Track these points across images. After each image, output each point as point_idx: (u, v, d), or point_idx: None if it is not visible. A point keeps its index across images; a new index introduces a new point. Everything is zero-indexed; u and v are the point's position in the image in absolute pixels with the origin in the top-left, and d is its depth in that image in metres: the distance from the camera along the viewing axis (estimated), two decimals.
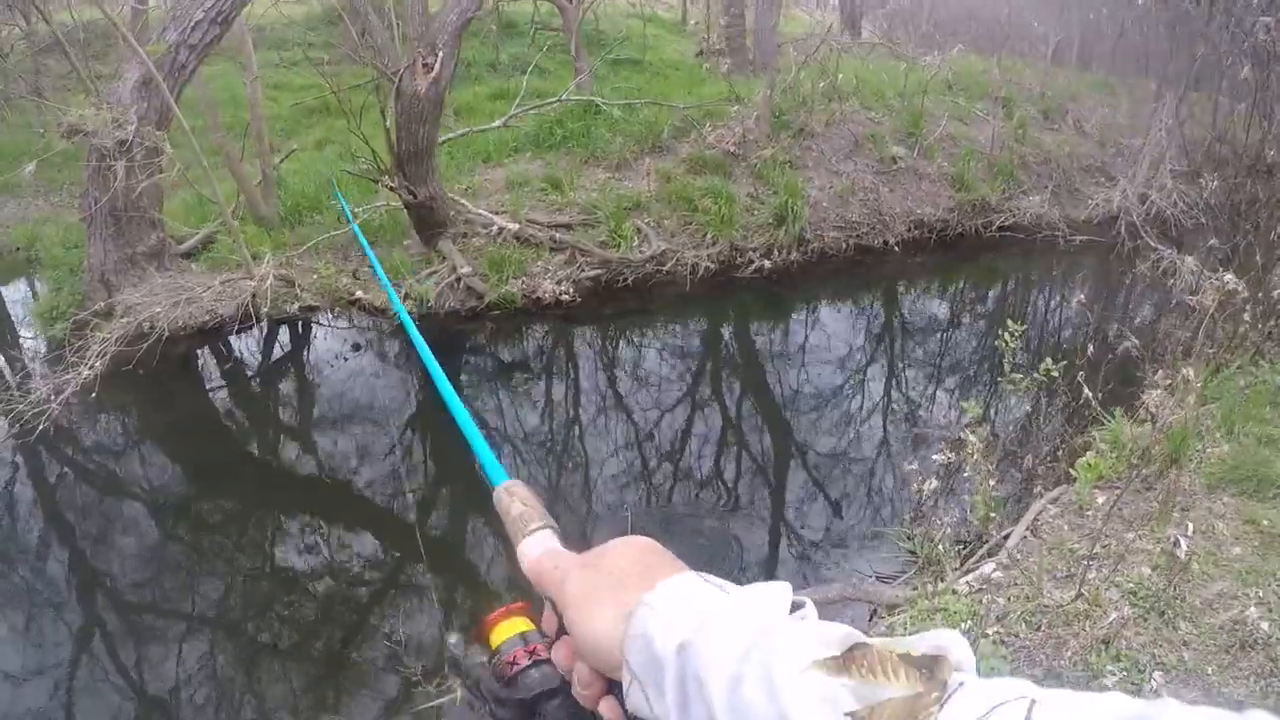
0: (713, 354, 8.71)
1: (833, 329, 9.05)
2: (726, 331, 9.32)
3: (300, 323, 8.49)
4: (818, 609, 0.69)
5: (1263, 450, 4.99)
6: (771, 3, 14.44)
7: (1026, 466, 5.69)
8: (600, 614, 0.71)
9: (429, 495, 6.34)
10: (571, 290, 8.74)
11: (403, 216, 8.84)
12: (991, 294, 10.68)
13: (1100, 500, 4.80)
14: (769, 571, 5.18)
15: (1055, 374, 4.85)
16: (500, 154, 10.77)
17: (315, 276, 8.44)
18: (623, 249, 9.15)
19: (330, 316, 8.54)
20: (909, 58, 13.56)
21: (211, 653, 4.65)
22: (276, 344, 8.66)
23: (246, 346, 8.47)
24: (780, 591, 0.68)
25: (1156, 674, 3.36)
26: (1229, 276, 4.26)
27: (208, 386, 8.04)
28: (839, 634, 0.60)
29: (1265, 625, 3.50)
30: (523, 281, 8.68)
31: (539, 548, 0.87)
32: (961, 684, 0.54)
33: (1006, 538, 4.69)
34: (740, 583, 0.71)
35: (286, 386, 8.26)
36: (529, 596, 0.89)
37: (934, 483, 4.56)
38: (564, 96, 11.00)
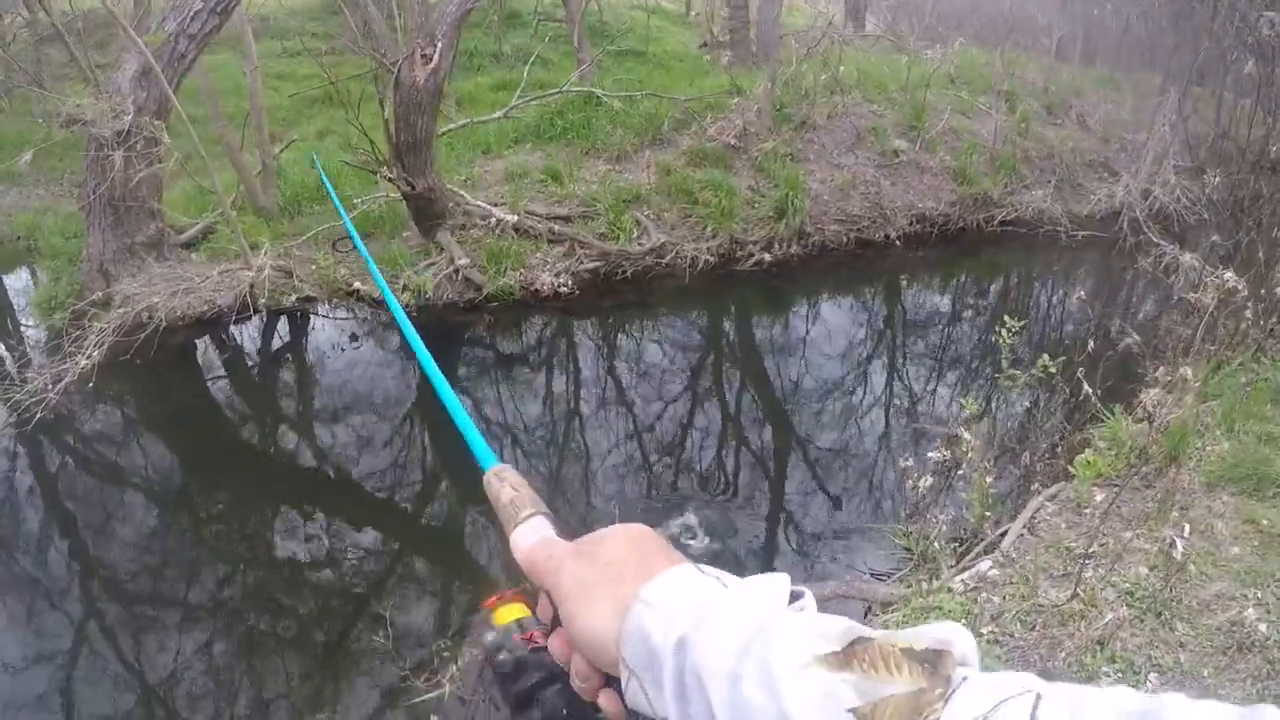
0: (712, 347, 8.68)
1: (833, 323, 9.02)
2: (726, 325, 9.30)
3: (299, 314, 8.47)
4: None
5: (1263, 448, 4.96)
6: None
7: (1025, 463, 5.66)
8: (596, 610, 0.70)
9: (427, 485, 6.33)
10: (570, 282, 8.71)
11: (401, 208, 8.80)
12: (993, 289, 10.65)
13: (1099, 498, 4.78)
14: (766, 565, 5.16)
15: (1053, 370, 4.82)
16: (500, 145, 10.73)
17: (314, 267, 8.41)
18: (622, 241, 9.12)
19: (328, 307, 8.51)
20: (911, 50, 13.49)
21: (208, 642, 4.65)
22: (275, 335, 8.63)
23: (245, 337, 8.45)
24: (779, 583, 0.67)
25: (1152, 676, 3.33)
26: (1229, 274, 4.22)
27: (205, 377, 8.01)
28: (840, 628, 0.59)
29: (1263, 627, 3.47)
30: (521, 273, 8.65)
31: (532, 536, 0.85)
32: (965, 679, 0.53)
33: (1003, 535, 4.67)
34: (737, 575, 0.69)
35: (284, 377, 8.24)
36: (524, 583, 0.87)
37: (929, 480, 4.54)
38: (564, 88, 10.97)
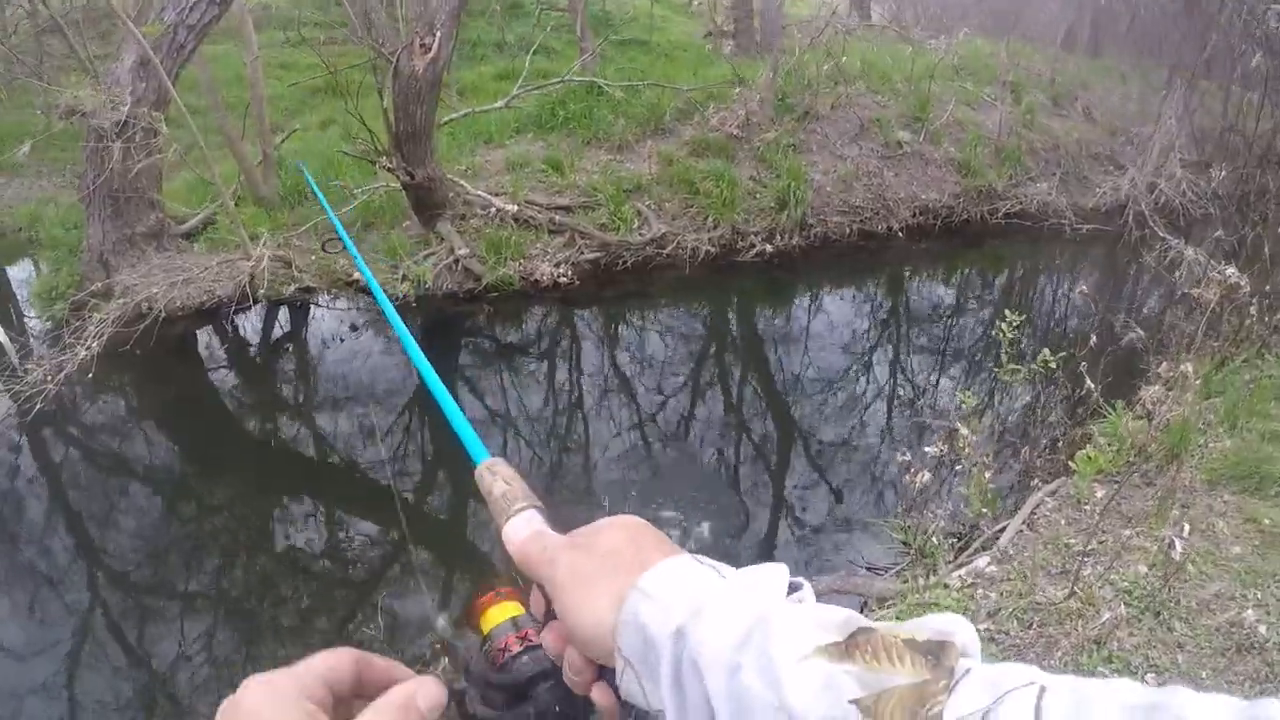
0: (712, 338, 8.66)
1: (834, 315, 8.99)
2: (727, 316, 9.26)
3: (299, 304, 8.45)
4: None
5: (1265, 447, 4.93)
6: None
7: (1025, 458, 5.63)
8: (591, 600, 0.68)
9: (426, 475, 6.31)
10: (570, 273, 8.68)
11: (401, 198, 8.77)
12: (996, 282, 10.60)
13: (1099, 494, 4.74)
14: (764, 557, 5.12)
15: (1054, 365, 4.79)
16: (501, 135, 10.69)
17: (314, 257, 8.39)
18: (622, 232, 9.09)
19: (328, 297, 8.49)
20: (916, 41, 13.43)
21: (208, 630, 4.67)
22: (275, 325, 8.62)
23: (244, 328, 8.43)
24: (777, 573, 0.66)
25: (1149, 676, 3.30)
26: (1231, 270, 4.18)
27: (205, 367, 8.00)
28: (840, 618, 0.58)
29: (1263, 628, 3.44)
30: (521, 264, 8.62)
31: (525, 529, 0.83)
32: (968, 670, 0.52)
33: (1002, 531, 4.64)
34: (735, 567, 0.67)
35: (284, 367, 8.23)
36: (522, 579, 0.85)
37: (926, 475, 4.50)
38: (566, 77, 10.93)
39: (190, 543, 5.44)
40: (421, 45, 7.49)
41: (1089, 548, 4.00)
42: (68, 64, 13.01)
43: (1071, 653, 3.44)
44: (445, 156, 9.42)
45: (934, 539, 4.44)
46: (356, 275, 8.24)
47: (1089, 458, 4.77)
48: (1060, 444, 5.73)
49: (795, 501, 5.82)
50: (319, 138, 11.58)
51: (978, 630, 2.82)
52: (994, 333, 5.06)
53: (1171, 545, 3.42)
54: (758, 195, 9.99)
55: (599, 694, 0.71)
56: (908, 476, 4.56)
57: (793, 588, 0.65)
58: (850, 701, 0.52)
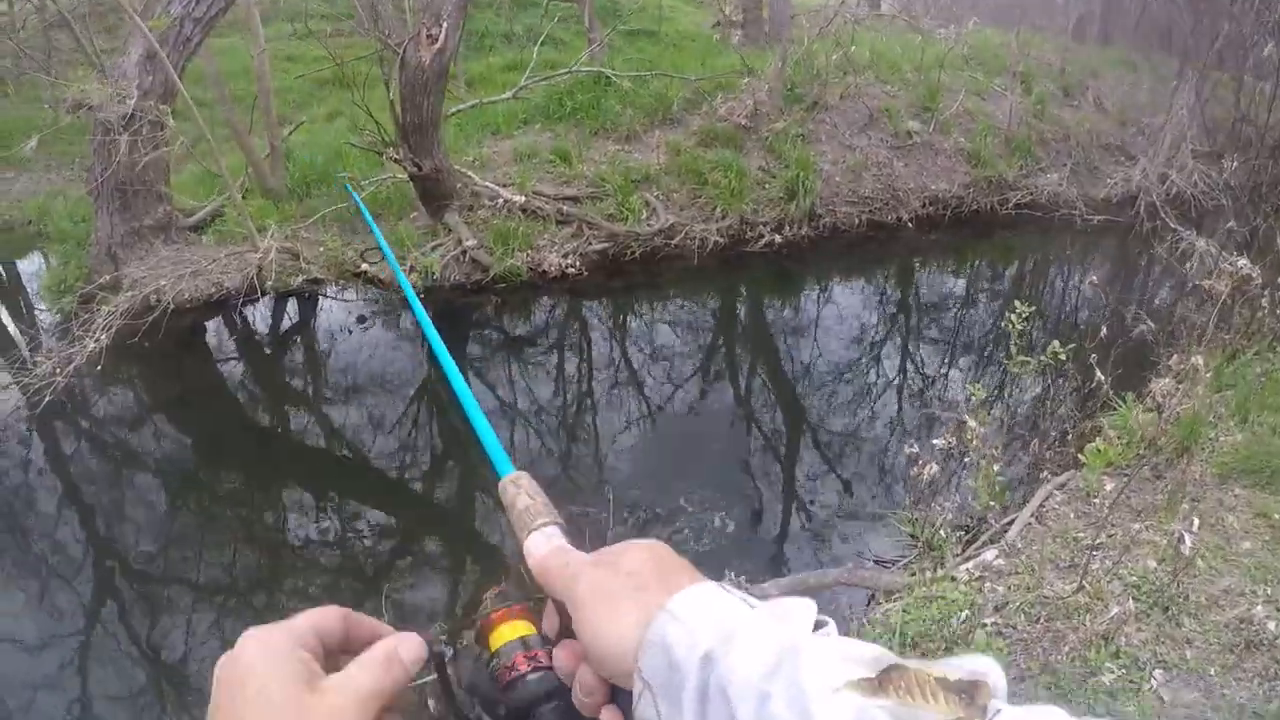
0: (721, 329, 8.63)
1: (844, 305, 8.96)
2: (735, 306, 9.24)
3: (306, 295, 8.46)
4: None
5: (1277, 440, 4.88)
6: None
7: (1034, 450, 5.61)
8: (615, 617, 0.67)
9: (435, 467, 6.32)
10: (578, 263, 8.67)
11: (409, 189, 8.77)
12: (1006, 273, 10.56)
13: (1108, 487, 4.71)
14: (771, 548, 5.12)
15: (1063, 356, 4.75)
16: (509, 126, 10.67)
17: (321, 249, 8.39)
18: (630, 222, 9.07)
19: (336, 289, 8.50)
20: (925, 30, 13.36)
21: (216, 620, 4.70)
22: (283, 316, 8.63)
23: (252, 319, 8.44)
24: (806, 608, 0.65)
25: (1157, 672, 3.27)
26: (1243, 261, 4.15)
27: (214, 359, 8.02)
28: (871, 654, 0.57)
29: (1272, 625, 3.41)
30: (528, 254, 8.61)
31: (546, 544, 0.82)
32: (999, 710, 0.52)
33: (1010, 524, 4.61)
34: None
35: (293, 359, 8.24)
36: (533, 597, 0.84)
37: (934, 467, 4.48)
38: (574, 68, 10.90)
39: (198, 533, 5.46)
40: (428, 36, 7.47)
41: (1098, 541, 3.97)
42: (75, 58, 13.02)
43: (1079, 648, 3.41)
44: (453, 147, 9.41)
45: (942, 532, 4.42)
46: (365, 266, 8.26)
47: (1098, 450, 4.76)
48: (1069, 436, 5.71)
49: (803, 493, 5.80)
50: (326, 130, 11.57)
51: (985, 624, 2.82)
52: (1004, 324, 5.02)
53: (1181, 540, 3.39)
54: (766, 185, 9.97)
55: (609, 716, 0.70)
56: (916, 469, 4.54)
57: (818, 625, 0.65)
58: None
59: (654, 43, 14.79)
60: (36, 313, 8.82)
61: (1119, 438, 5.00)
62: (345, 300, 8.53)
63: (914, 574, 4.26)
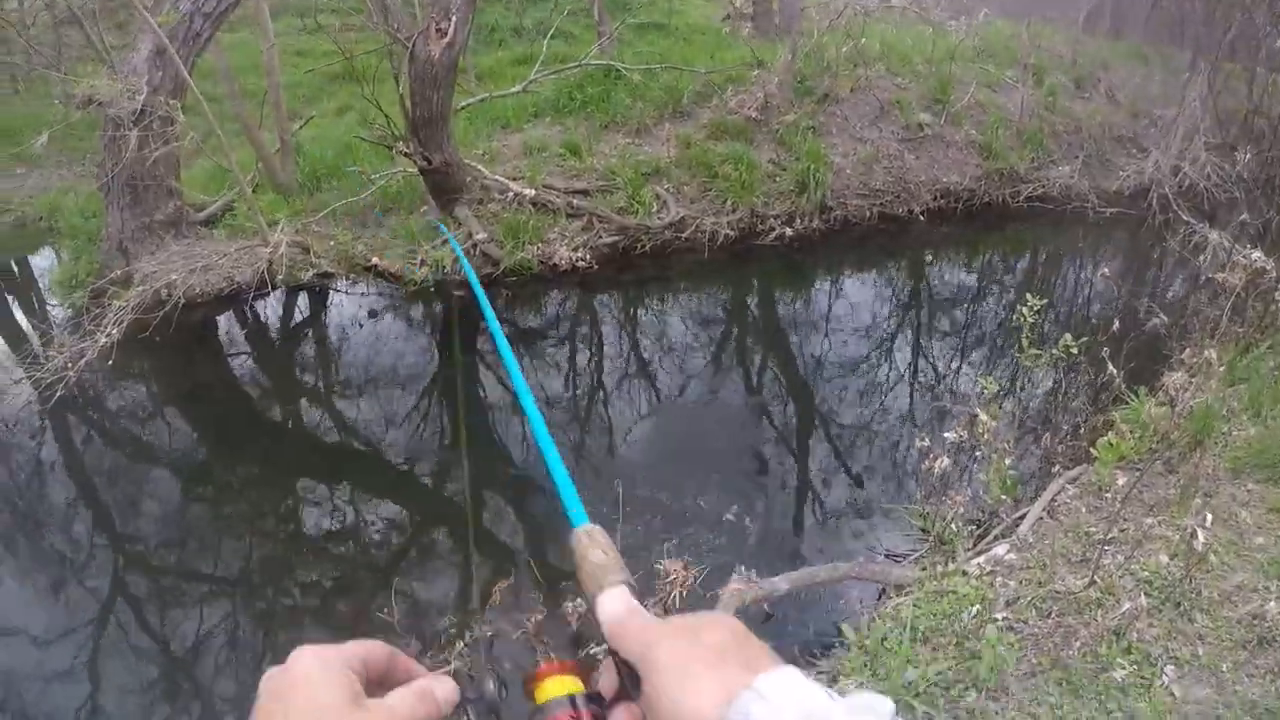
0: (732, 322, 8.61)
1: (855, 298, 8.93)
2: (746, 300, 9.22)
3: (317, 289, 8.48)
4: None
5: None
6: None
7: (1046, 444, 5.58)
8: (696, 688, 0.68)
9: (444, 462, 6.31)
10: (588, 257, 8.67)
11: (419, 183, 8.77)
12: (1018, 265, 10.52)
13: (1121, 482, 4.69)
14: (783, 542, 5.11)
15: (1075, 349, 4.73)
16: (519, 119, 10.67)
17: (332, 243, 8.41)
18: (641, 215, 9.06)
19: (347, 283, 8.52)
20: (936, 22, 13.30)
21: (228, 613, 4.71)
22: (294, 311, 8.65)
23: (263, 313, 8.46)
24: (883, 704, 0.66)
25: (1169, 668, 3.26)
26: (1257, 254, 4.12)
27: (225, 353, 8.03)
28: None
29: None
30: (539, 248, 8.62)
31: (621, 604, 0.82)
32: None
33: (1022, 518, 4.60)
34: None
35: (303, 353, 8.25)
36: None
37: (946, 461, 4.47)
38: (583, 61, 10.88)
39: (209, 527, 5.48)
40: (438, 30, 7.46)
41: (1110, 536, 3.95)
42: (85, 54, 13.08)
43: (1090, 643, 3.40)
44: (463, 141, 9.41)
45: (953, 526, 4.41)
46: (375, 260, 8.27)
47: (1111, 444, 4.74)
48: (1082, 430, 5.68)
49: (814, 486, 5.79)
50: (336, 124, 11.59)
51: (996, 620, 2.80)
52: (1015, 317, 5.00)
53: (1194, 535, 3.37)
54: (777, 178, 9.94)
55: None
56: (927, 462, 4.53)
57: None
58: None
59: (664, 36, 14.74)
60: (48, 308, 8.86)
61: (1131, 432, 4.99)
62: (356, 294, 8.54)
63: (925, 568, 4.25)
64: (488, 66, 13.23)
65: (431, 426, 6.74)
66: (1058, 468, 5.24)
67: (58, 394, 6.12)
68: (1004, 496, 4.70)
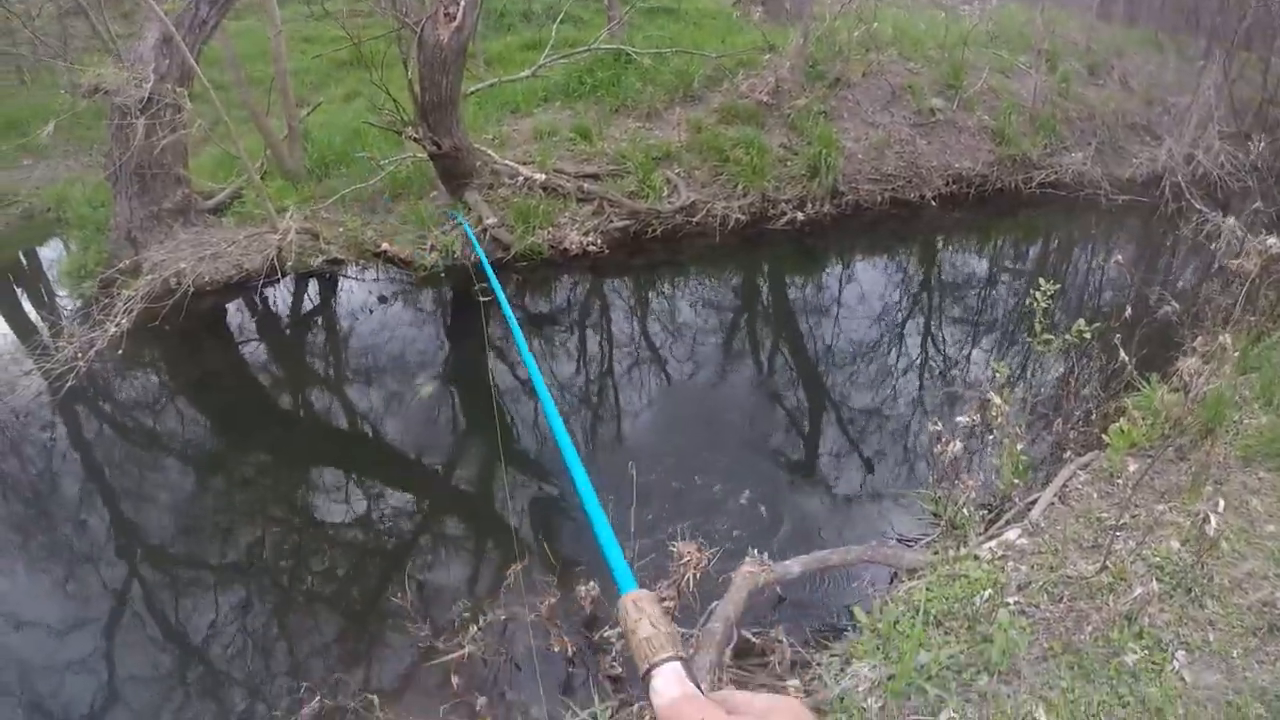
0: (743, 307, 8.59)
1: (866, 283, 8.90)
2: (758, 284, 9.19)
3: (327, 276, 8.48)
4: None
5: None
6: None
7: (1058, 430, 5.57)
8: None
9: (455, 449, 6.32)
10: (599, 241, 8.67)
11: (429, 168, 8.77)
12: (1030, 252, 10.47)
13: (1132, 468, 4.67)
14: (796, 526, 5.10)
15: (1088, 335, 4.71)
16: (529, 104, 10.65)
17: (341, 229, 8.41)
18: (652, 200, 9.04)
19: (356, 269, 8.52)
20: (949, 7, 13.23)
21: (242, 602, 4.70)
22: (304, 298, 8.65)
23: (273, 300, 8.47)
24: None
25: (1180, 654, 3.25)
26: (1272, 239, 4.09)
27: (235, 340, 8.03)
28: None
29: None
30: (550, 232, 8.61)
31: (676, 685, 0.81)
32: None
33: (1034, 503, 4.58)
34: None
35: (314, 339, 8.25)
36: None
37: (958, 445, 4.45)
38: (593, 45, 10.85)
39: (220, 514, 5.48)
40: (446, 14, 7.44)
41: (1121, 522, 3.94)
42: (91, 44, 13.08)
43: (1102, 627, 3.39)
44: (472, 126, 9.40)
45: (965, 510, 4.40)
46: (385, 246, 8.27)
47: (1122, 431, 4.71)
48: (1093, 417, 5.66)
49: (826, 470, 5.78)
50: (344, 110, 11.58)
51: (1008, 604, 2.79)
52: (1028, 302, 4.98)
53: (1206, 520, 3.36)
54: (788, 163, 9.92)
55: None
56: (939, 446, 4.52)
57: None
58: None
59: (674, 20, 14.70)
60: (57, 299, 8.88)
61: (1143, 419, 4.96)
62: (365, 280, 8.54)
63: (937, 552, 4.24)
64: (497, 51, 13.21)
65: (441, 412, 6.74)
66: (1069, 454, 5.23)
67: (68, 384, 6.15)
68: (1016, 481, 4.69)
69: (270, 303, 8.44)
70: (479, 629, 3.98)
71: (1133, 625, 3.39)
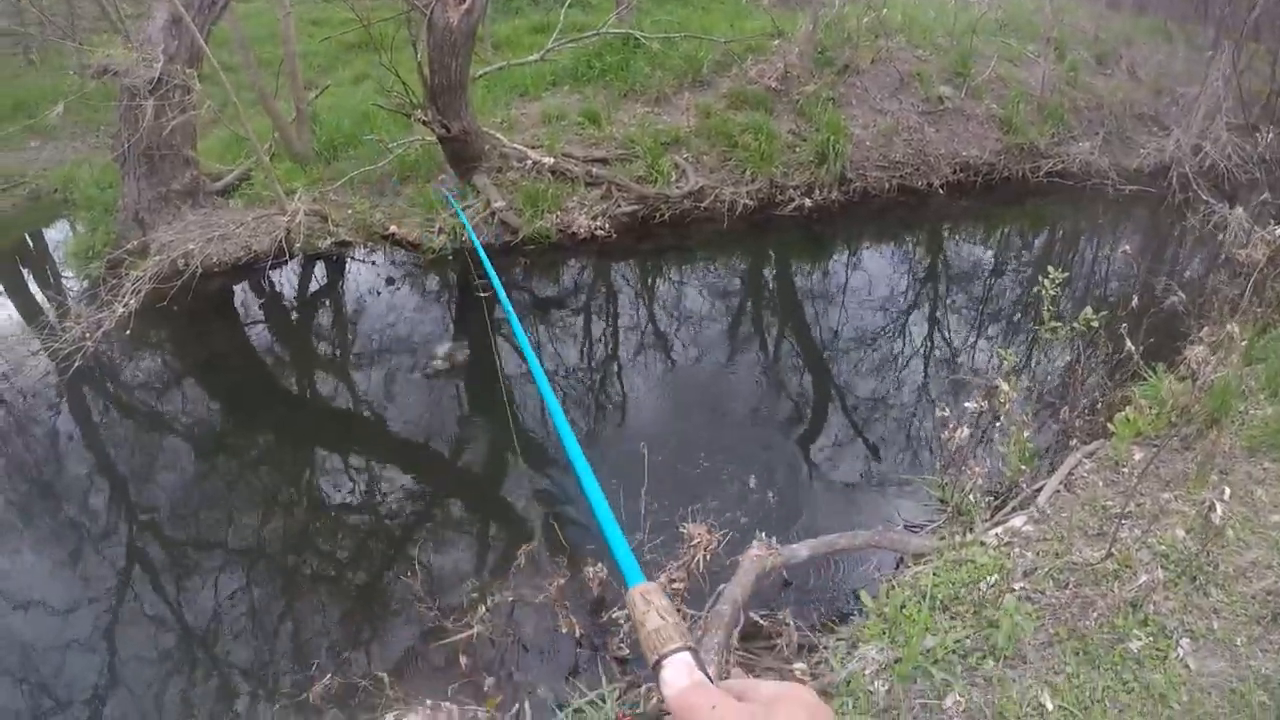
0: (750, 292, 8.60)
1: (873, 270, 8.90)
2: (765, 270, 9.19)
3: (334, 258, 8.50)
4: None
5: None
6: None
7: (1064, 418, 5.58)
8: None
9: (463, 430, 6.33)
10: (607, 225, 8.68)
11: (437, 151, 8.77)
12: (1037, 241, 10.46)
13: (1138, 457, 4.69)
14: (802, 511, 5.12)
15: (1095, 324, 4.73)
16: (537, 88, 10.64)
17: (349, 211, 8.42)
18: (660, 184, 9.05)
19: (364, 251, 8.53)
20: None
21: (248, 582, 4.72)
22: (312, 279, 8.66)
23: (281, 282, 8.47)
24: None
25: (1184, 641, 3.27)
26: None
27: (243, 322, 8.05)
28: None
29: None
30: (558, 216, 8.62)
31: (685, 676, 0.82)
32: None
33: (1039, 490, 4.60)
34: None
35: (321, 321, 8.26)
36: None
37: (965, 432, 4.47)
38: (602, 29, 10.83)
39: (226, 495, 5.50)
40: None
41: (1127, 510, 3.96)
42: (99, 25, 13.07)
43: (1107, 614, 3.41)
44: (481, 110, 9.40)
45: (971, 497, 4.42)
46: (393, 228, 8.28)
47: (1128, 420, 4.74)
48: (1099, 405, 5.68)
49: (833, 456, 5.79)
50: (352, 93, 11.57)
51: (1014, 590, 2.81)
52: (1036, 290, 4.99)
53: (1211, 508, 3.37)
54: (796, 149, 9.91)
55: None
56: (946, 433, 4.54)
57: None
58: None
59: (683, 4, 14.63)
60: (63, 280, 8.89)
61: (1149, 408, 4.98)
62: (373, 263, 8.55)
63: (943, 538, 4.26)
64: (505, 35, 13.19)
65: (447, 394, 6.76)
66: (1075, 442, 5.25)
67: (75, 364, 6.17)
68: (1023, 468, 4.71)
69: (278, 284, 8.45)
70: (487, 609, 4.01)
71: (1138, 612, 3.41)
